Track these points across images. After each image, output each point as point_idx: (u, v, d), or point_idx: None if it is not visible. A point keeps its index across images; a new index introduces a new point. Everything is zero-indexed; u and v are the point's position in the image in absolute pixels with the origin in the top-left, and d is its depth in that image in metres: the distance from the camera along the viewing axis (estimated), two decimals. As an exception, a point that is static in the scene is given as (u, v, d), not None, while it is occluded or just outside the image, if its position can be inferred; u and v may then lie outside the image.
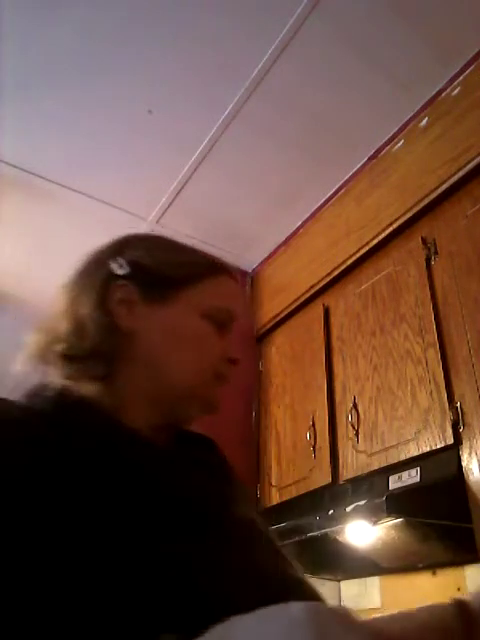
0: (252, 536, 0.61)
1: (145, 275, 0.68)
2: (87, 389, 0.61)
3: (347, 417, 1.70)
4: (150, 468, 0.56)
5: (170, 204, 2.19)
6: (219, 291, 0.71)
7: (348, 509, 1.47)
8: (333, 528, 1.53)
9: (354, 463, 1.63)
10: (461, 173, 1.59)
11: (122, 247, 0.72)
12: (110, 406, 0.61)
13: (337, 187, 2.11)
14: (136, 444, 0.58)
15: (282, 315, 2.17)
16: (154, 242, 0.75)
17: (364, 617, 0.40)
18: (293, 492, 1.83)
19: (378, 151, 1.95)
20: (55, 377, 0.62)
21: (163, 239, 0.76)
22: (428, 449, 1.41)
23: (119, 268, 0.67)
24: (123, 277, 0.67)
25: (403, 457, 1.47)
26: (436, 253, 1.60)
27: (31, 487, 0.46)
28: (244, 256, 2.46)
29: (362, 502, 1.45)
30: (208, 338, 0.68)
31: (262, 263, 2.47)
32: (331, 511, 1.56)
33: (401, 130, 1.87)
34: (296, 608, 0.37)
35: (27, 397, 0.59)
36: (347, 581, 2.03)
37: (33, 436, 0.50)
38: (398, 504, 1.36)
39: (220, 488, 0.62)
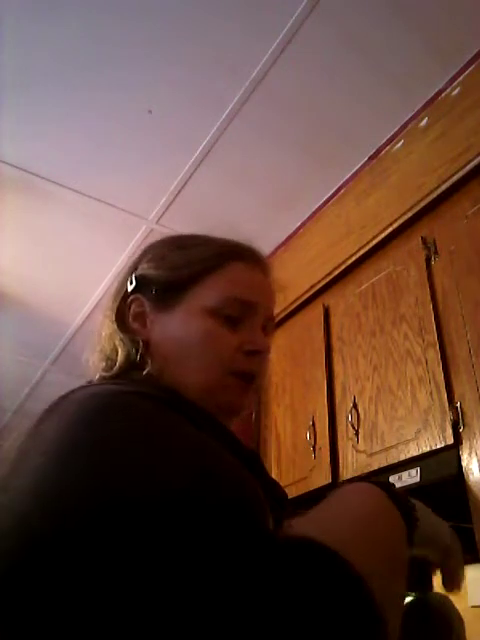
0: None
1: (151, 286, 0.70)
2: None
3: (347, 417, 1.69)
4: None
5: (170, 204, 2.20)
6: (228, 283, 0.69)
7: (348, 509, 1.46)
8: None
9: (354, 463, 1.63)
10: (461, 173, 1.59)
11: (138, 261, 0.75)
12: None
13: (337, 187, 2.11)
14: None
15: (282, 315, 2.17)
16: (162, 249, 0.75)
17: None
18: (293, 492, 1.83)
19: (378, 151, 1.95)
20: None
21: (172, 242, 0.77)
22: (428, 449, 1.41)
23: (130, 284, 0.72)
24: (135, 291, 0.71)
25: (403, 457, 1.47)
26: (436, 253, 1.60)
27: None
28: (244, 256, 2.46)
29: (362, 502, 1.45)
30: (215, 337, 0.66)
31: (262, 263, 2.46)
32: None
33: (401, 130, 1.87)
34: None
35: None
36: (347, 581, 2.03)
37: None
38: (398, 504, 1.36)
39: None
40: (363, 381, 1.70)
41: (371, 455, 1.58)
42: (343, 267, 1.94)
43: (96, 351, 0.72)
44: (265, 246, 2.55)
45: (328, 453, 1.71)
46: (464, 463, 1.32)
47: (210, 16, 1.58)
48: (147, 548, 0.39)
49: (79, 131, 1.93)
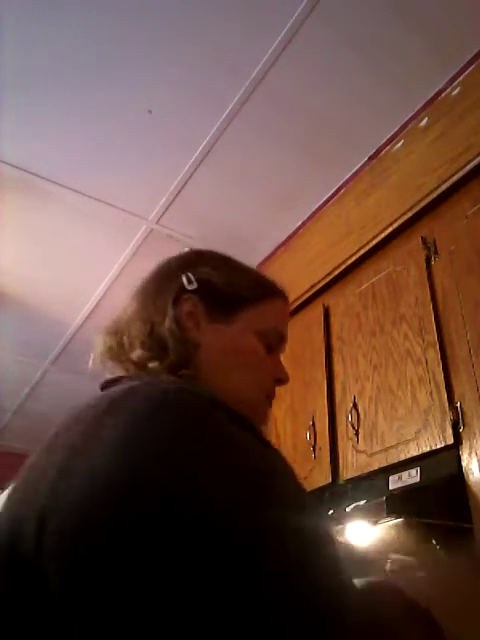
0: None
1: (212, 292, 0.72)
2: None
3: (347, 417, 1.69)
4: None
5: (170, 204, 2.20)
6: (274, 314, 0.76)
7: (348, 509, 1.47)
8: (333, 528, 1.53)
9: (354, 463, 1.63)
10: (461, 173, 1.59)
11: (193, 262, 0.77)
12: None
13: (337, 187, 2.11)
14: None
15: (282, 315, 2.17)
16: (221, 261, 0.79)
17: None
18: (293, 492, 1.83)
19: (378, 151, 1.95)
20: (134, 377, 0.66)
21: (229, 259, 0.81)
22: (428, 449, 1.41)
23: (189, 283, 0.72)
24: (192, 291, 0.72)
25: (403, 457, 1.47)
26: (436, 253, 1.60)
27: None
28: (244, 256, 2.45)
29: (362, 502, 1.45)
30: (263, 358, 0.73)
31: (262, 263, 2.46)
32: (331, 511, 1.56)
33: (401, 130, 1.87)
34: None
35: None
36: (347, 581, 2.03)
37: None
38: (398, 504, 1.36)
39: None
40: (363, 381, 1.70)
41: (371, 455, 1.58)
42: (343, 267, 1.94)
43: (119, 333, 0.71)
44: (265, 246, 2.58)
45: (328, 453, 1.71)
46: (464, 463, 1.32)
47: (210, 16, 1.58)
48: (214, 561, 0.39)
49: (79, 131, 1.93)
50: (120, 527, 0.41)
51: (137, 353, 0.68)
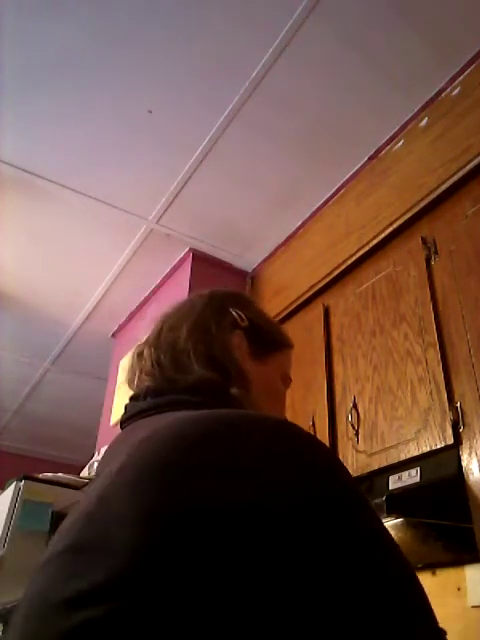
0: None
1: (256, 332, 0.80)
2: None
3: (347, 417, 1.69)
4: None
5: (170, 204, 2.20)
6: (288, 361, 0.86)
7: (348, 509, 1.46)
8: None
9: (354, 463, 1.63)
10: (461, 173, 1.59)
11: (237, 301, 0.84)
12: None
13: (337, 187, 2.11)
14: None
15: (282, 315, 2.17)
16: (256, 306, 0.88)
17: None
18: (293, 492, 1.83)
19: (378, 151, 1.96)
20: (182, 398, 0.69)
21: (259, 306, 0.90)
22: (428, 449, 1.41)
23: (242, 321, 0.79)
24: (241, 328, 0.78)
25: (403, 457, 1.47)
26: (436, 253, 1.60)
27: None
28: (244, 256, 2.46)
29: (362, 502, 1.44)
30: (282, 399, 0.82)
31: (262, 263, 2.47)
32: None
33: (401, 130, 1.87)
34: None
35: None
36: (347, 581, 2.03)
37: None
38: (398, 504, 1.36)
39: None
40: (363, 381, 1.70)
41: (371, 455, 1.58)
42: (343, 267, 1.94)
43: (194, 361, 0.73)
44: (265, 246, 2.58)
45: (328, 453, 1.71)
46: (464, 463, 1.32)
47: (210, 16, 1.58)
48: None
49: (79, 131, 1.93)
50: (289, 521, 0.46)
51: (201, 372, 0.71)
